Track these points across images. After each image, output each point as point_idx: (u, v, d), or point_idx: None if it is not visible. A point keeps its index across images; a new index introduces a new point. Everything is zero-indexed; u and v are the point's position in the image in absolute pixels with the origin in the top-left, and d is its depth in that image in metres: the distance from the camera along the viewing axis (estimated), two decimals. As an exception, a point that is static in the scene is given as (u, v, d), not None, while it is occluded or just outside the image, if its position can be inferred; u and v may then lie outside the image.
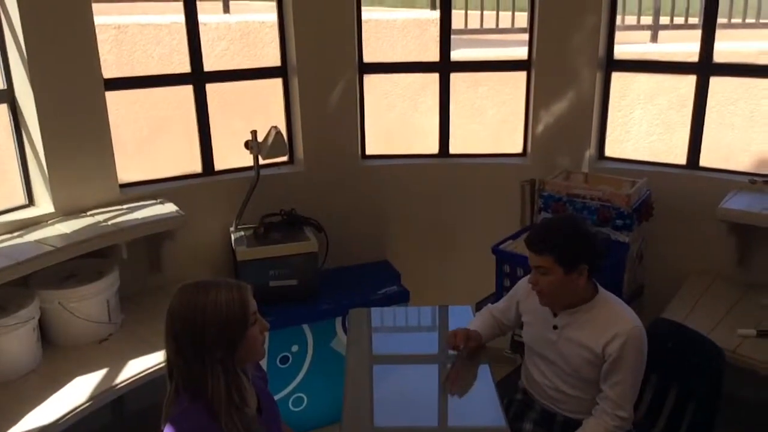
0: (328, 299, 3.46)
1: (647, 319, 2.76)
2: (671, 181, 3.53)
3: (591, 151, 3.71)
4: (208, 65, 3.59)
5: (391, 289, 3.58)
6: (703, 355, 2.47)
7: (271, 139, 3.34)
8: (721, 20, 6.06)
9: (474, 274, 3.56)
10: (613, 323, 2.22)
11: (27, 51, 2.95)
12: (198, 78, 3.53)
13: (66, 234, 2.99)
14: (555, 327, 2.33)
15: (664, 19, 7.17)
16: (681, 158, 3.65)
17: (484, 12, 7.28)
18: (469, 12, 7.34)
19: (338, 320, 3.46)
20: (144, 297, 3.36)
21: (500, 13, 7.28)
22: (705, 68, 3.43)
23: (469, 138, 4.20)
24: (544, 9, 3.56)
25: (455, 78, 3.82)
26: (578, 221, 2.34)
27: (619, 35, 3.71)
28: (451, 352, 2.45)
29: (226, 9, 7.44)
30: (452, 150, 3.95)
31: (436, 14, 4.70)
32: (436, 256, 3.97)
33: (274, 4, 3.63)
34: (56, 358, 2.90)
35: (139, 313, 3.23)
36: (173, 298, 1.72)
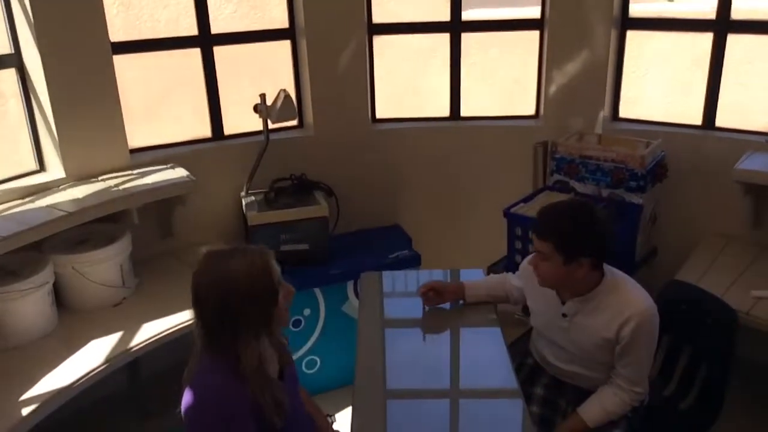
0: (339, 263, 3.47)
1: (661, 281, 2.74)
2: (686, 142, 3.48)
3: (605, 112, 3.65)
4: (216, 28, 3.54)
5: (403, 253, 3.57)
6: (716, 316, 2.46)
7: (280, 103, 3.31)
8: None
9: (486, 237, 3.54)
10: (624, 307, 2.13)
11: (33, 14, 2.93)
12: (205, 40, 3.50)
13: (77, 199, 2.99)
14: (564, 315, 2.25)
15: (681, -23, 6.98)
16: (697, 119, 3.59)
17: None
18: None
19: (350, 284, 3.47)
20: (156, 261, 3.37)
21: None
22: (722, 25, 3.36)
23: (481, 101, 4.13)
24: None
25: (466, 39, 3.75)
26: (587, 212, 2.14)
27: (633, -7, 3.62)
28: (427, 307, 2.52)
29: (234, -29, 7.33)
30: (463, 113, 3.90)
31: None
32: (447, 220, 3.96)
33: (282, -35, 3.58)
34: (71, 322, 2.94)
35: (152, 278, 3.24)
36: (199, 266, 1.70)
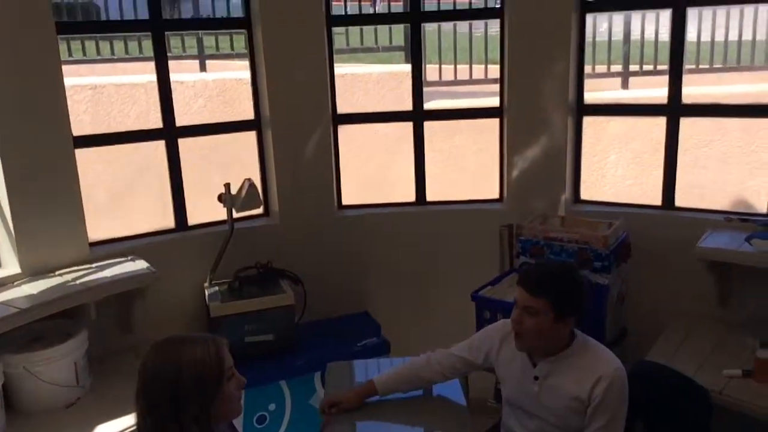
0: (305, 354, 3.38)
1: (631, 361, 2.70)
2: (648, 222, 3.52)
3: (567, 195, 3.71)
4: (186, 122, 3.58)
5: (371, 340, 3.50)
6: (689, 396, 2.42)
7: (244, 192, 3.31)
8: (689, 66, 6.23)
9: (455, 321, 3.48)
10: (596, 367, 2.16)
11: (-7, 109, 2.92)
12: (170, 133, 3.51)
13: (32, 295, 2.90)
14: (536, 378, 2.24)
15: (633, 67, 7.32)
16: (657, 201, 3.66)
17: (458, 66, 7.40)
18: (443, 66, 7.46)
19: (317, 375, 3.36)
20: (114, 358, 3.24)
21: (473, 66, 7.41)
22: (674, 109, 3.47)
23: (448, 188, 4.20)
24: (513, 57, 3.61)
25: (432, 129, 3.83)
26: (577, 271, 2.28)
27: (590, 83, 3.75)
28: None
29: (203, 67, 7.51)
30: (429, 198, 3.93)
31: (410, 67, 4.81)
32: (416, 305, 3.91)
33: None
34: (21, 425, 2.77)
35: (109, 376, 3.11)
36: (146, 354, 1.66)
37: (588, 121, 3.75)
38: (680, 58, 3.41)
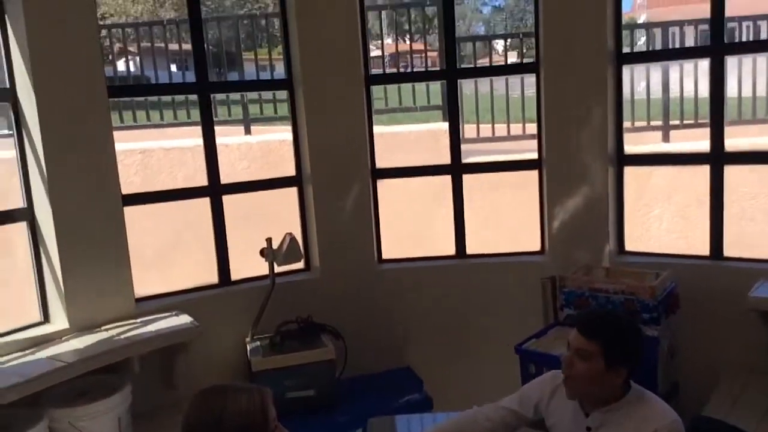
0: (347, 410, 3.33)
1: (686, 419, 2.58)
2: (696, 273, 3.43)
3: (610, 246, 3.65)
4: (230, 180, 3.66)
5: (413, 396, 3.45)
6: (750, 453, 2.29)
7: (285, 246, 3.35)
8: (731, 119, 6.16)
9: (498, 376, 3.40)
10: (651, 419, 2.06)
11: (47, 171, 3.05)
12: (215, 190, 3.61)
13: (78, 349, 2.95)
14: (588, 429, 2.15)
15: (674, 122, 7.27)
16: (705, 252, 3.57)
17: (496, 125, 7.47)
18: (480, 125, 7.54)
19: (359, 432, 3.30)
20: (157, 414, 3.25)
21: (511, 125, 7.46)
22: (717, 157, 3.42)
23: (488, 243, 4.18)
24: (550, 109, 3.64)
25: (470, 186, 3.83)
26: (634, 322, 2.24)
27: (630, 137, 3.74)
28: None
29: (248, 131, 7.74)
30: (469, 252, 3.91)
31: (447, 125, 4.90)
32: (459, 360, 3.84)
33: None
34: (64, 481, 2.78)
35: (152, 431, 3.11)
36: (189, 402, 1.62)
37: (630, 175, 3.72)
38: (721, 105, 3.38)
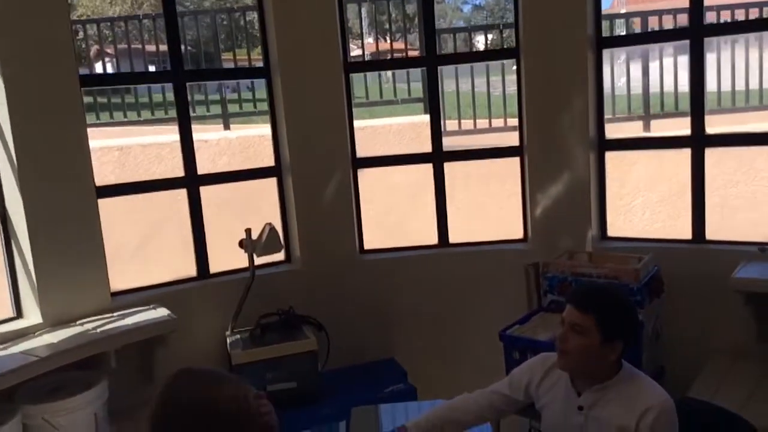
0: (330, 402, 3.27)
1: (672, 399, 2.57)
2: (679, 256, 3.42)
3: (593, 231, 3.62)
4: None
5: (397, 386, 3.40)
6: (737, 432, 2.26)
7: (265, 236, 3.29)
8: (711, 106, 6.18)
9: (483, 364, 3.38)
10: (644, 397, 2.03)
11: (18, 163, 2.96)
12: (192, 180, 3.54)
13: (52, 344, 2.87)
14: (580, 408, 2.12)
15: (655, 113, 7.28)
16: (687, 236, 3.55)
17: (478, 120, 7.45)
18: (462, 120, 7.52)
19: (342, 425, 3.23)
20: (135, 409, 3.14)
21: (493, 120, 7.45)
22: (699, 140, 3.41)
23: (470, 233, 4.15)
24: (531, 95, 3.61)
25: (455, 176, 3.79)
26: (628, 295, 2.18)
27: (611, 127, 3.72)
28: None
29: (227, 127, 7.66)
30: (452, 240, 3.87)
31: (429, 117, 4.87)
32: (442, 349, 3.80)
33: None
34: (39, 479, 2.70)
35: (130, 427, 3.03)
36: (171, 382, 1.44)
37: (611, 162, 3.69)
38: (701, 88, 3.37)
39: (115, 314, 3.20)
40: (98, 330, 3.00)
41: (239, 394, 1.46)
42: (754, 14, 6.76)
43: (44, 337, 2.96)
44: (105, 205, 3.29)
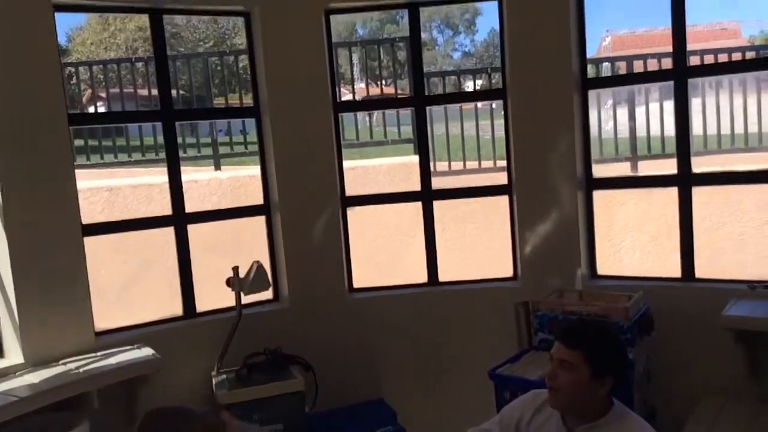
0: (317, 445, 3.20)
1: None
2: (669, 295, 3.41)
3: (583, 270, 3.62)
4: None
5: (387, 428, 3.33)
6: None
7: (252, 274, 3.27)
8: (697, 149, 6.26)
9: (473, 405, 3.33)
10: None
11: (2, 197, 2.95)
12: (179, 219, 3.52)
13: (33, 384, 2.81)
14: None
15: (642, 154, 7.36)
16: (677, 274, 3.55)
17: (467, 162, 7.51)
18: (453, 162, 7.58)
19: (330, 468, 3.17)
20: (118, 452, 3.09)
21: (482, 162, 7.50)
22: (685, 178, 3.44)
23: (461, 271, 4.14)
24: (518, 134, 3.64)
25: (444, 215, 3.79)
26: (615, 330, 2.18)
27: (599, 168, 3.75)
28: None
29: (218, 167, 7.68)
30: (441, 279, 3.85)
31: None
32: (432, 389, 3.75)
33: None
34: None
35: (111, 470, 2.95)
36: (143, 426, 1.55)
37: (600, 203, 3.70)
38: (687, 128, 3.41)
39: (98, 354, 3.14)
40: (81, 370, 2.94)
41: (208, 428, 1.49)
42: (736, 59, 6.92)
43: (25, 378, 2.90)
44: (92, 243, 3.27)
